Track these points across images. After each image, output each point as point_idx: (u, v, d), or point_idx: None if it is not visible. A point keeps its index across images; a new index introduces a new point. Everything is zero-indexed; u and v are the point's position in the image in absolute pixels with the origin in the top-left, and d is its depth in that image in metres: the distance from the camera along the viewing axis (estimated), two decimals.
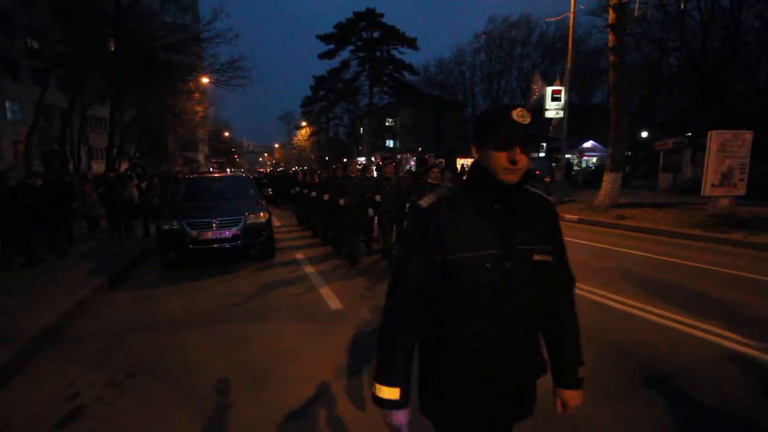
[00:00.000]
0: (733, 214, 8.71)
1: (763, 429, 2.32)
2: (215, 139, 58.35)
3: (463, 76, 38.00)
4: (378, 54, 36.12)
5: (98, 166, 24.43)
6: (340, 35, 36.13)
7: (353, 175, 6.43)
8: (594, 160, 26.40)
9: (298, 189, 9.95)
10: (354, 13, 35.50)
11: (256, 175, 22.04)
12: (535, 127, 1.03)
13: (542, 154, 33.15)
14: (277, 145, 79.63)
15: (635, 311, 4.04)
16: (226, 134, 61.72)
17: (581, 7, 13.44)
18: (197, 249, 6.08)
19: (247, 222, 6.37)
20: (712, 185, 8.78)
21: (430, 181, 4.86)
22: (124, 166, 21.01)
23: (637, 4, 10.82)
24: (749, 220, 8.24)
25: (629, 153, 21.93)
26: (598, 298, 4.43)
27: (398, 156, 35.13)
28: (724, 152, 8.69)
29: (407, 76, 36.57)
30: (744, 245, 7.04)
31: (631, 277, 5.27)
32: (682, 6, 18.23)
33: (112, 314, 4.49)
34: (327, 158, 38.58)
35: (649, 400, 2.56)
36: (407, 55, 36.23)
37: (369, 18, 35.32)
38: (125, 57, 16.16)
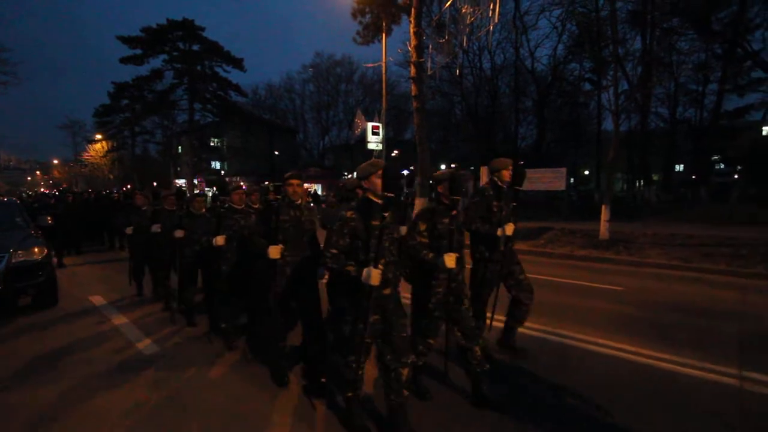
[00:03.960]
0: None
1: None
2: None
3: (293, 103, 38.87)
4: (199, 68, 33.12)
5: None
6: (149, 40, 31.60)
7: (294, 198, 3.18)
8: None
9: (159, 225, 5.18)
10: (168, 20, 31.81)
11: (22, 200, 16.65)
12: None
13: None
14: (56, 161, 62.31)
15: None
16: None
17: (390, 58, 15.94)
18: None
19: (13, 261, 4.90)
20: None
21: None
22: None
23: (429, 64, 13.53)
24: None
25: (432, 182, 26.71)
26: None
27: (227, 179, 32.75)
28: None
29: (234, 96, 34.67)
30: None
31: None
32: (458, 72, 23.82)
33: None
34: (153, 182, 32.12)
35: None
36: (233, 75, 33.95)
37: (187, 28, 32.25)
38: None
